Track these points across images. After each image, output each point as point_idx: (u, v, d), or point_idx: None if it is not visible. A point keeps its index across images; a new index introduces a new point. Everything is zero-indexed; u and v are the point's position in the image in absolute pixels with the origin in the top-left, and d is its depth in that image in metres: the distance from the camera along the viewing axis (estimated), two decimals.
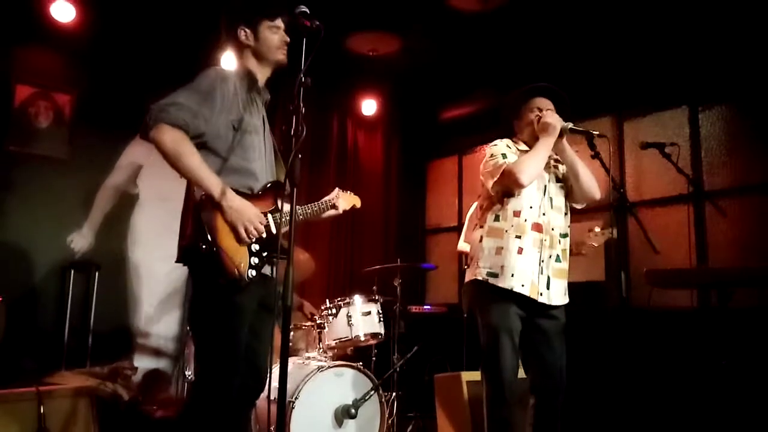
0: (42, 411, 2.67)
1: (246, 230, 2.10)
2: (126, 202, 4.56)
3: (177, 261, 2.16)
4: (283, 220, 2.19)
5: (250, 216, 2.11)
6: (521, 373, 2.71)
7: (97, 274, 4.28)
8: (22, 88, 4.20)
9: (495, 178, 2.66)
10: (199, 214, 2.06)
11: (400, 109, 6.18)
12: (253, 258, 2.11)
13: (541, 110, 2.79)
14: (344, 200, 2.63)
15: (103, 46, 4.38)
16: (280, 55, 2.29)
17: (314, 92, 2.04)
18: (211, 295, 2.08)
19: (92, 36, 4.30)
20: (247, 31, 2.25)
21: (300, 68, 1.99)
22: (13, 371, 3.22)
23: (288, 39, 2.28)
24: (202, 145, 2.12)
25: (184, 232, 2.14)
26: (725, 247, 4.19)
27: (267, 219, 2.19)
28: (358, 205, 2.75)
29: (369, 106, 5.97)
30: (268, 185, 2.25)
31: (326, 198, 2.56)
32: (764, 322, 3.66)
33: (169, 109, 2.03)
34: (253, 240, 2.13)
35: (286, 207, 2.27)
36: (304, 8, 2.02)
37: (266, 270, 2.20)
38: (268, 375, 2.23)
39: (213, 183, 2.06)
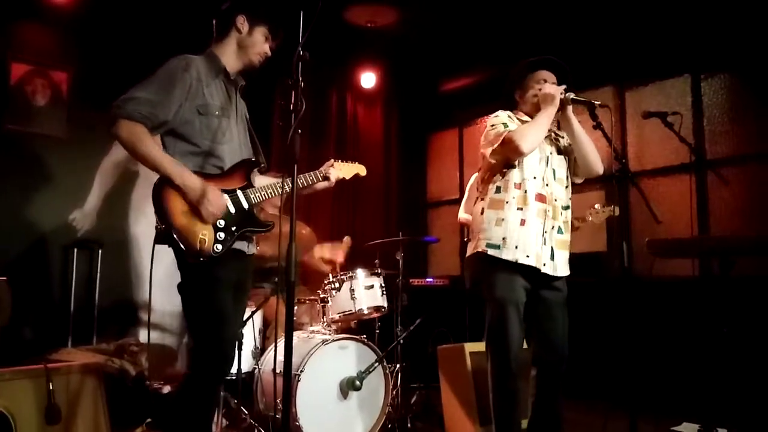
0: (51, 387, 2.70)
1: (207, 211, 2.14)
2: (126, 179, 4.55)
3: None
4: (261, 195, 2.28)
5: (209, 196, 2.14)
6: (524, 345, 2.74)
7: (100, 251, 4.30)
8: (17, 65, 4.15)
9: (494, 146, 2.64)
10: (155, 196, 2.13)
11: (400, 82, 6.13)
12: (219, 233, 2.16)
13: (545, 82, 2.76)
14: (343, 170, 2.61)
15: (98, 21, 4.33)
16: (256, 60, 2.39)
17: (312, 66, 2.02)
18: (189, 270, 2.16)
19: (87, 12, 4.24)
20: (246, 22, 2.33)
21: (298, 42, 1.97)
22: (21, 349, 3.25)
23: (270, 54, 2.40)
24: (170, 131, 2.21)
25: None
26: (727, 215, 4.19)
27: (225, 197, 2.21)
28: (363, 173, 2.73)
29: (368, 79, 5.92)
30: (238, 163, 2.30)
31: (318, 170, 2.53)
32: (765, 290, 3.68)
33: (126, 105, 2.12)
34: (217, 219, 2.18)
35: (264, 180, 2.37)
36: None
37: (242, 246, 2.27)
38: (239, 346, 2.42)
39: (169, 167, 2.13)
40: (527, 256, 2.61)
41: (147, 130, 2.14)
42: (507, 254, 2.61)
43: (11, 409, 2.13)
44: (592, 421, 3.38)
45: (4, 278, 2.82)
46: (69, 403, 2.79)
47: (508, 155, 2.67)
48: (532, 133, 2.62)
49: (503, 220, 2.65)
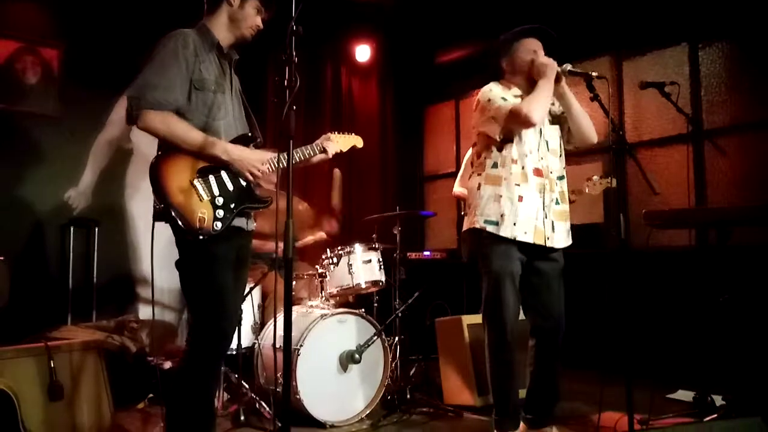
0: (52, 365, 2.73)
1: (253, 175, 2.22)
2: (120, 157, 4.52)
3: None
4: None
5: (253, 161, 2.22)
6: (520, 315, 2.76)
7: (96, 229, 4.29)
8: (6, 43, 4.09)
9: (500, 121, 2.61)
10: (152, 175, 2.12)
11: (395, 54, 6.06)
12: (218, 211, 2.15)
13: (535, 52, 2.73)
14: (340, 142, 2.58)
15: None
16: (248, 33, 2.35)
17: (306, 40, 2.00)
18: (188, 247, 2.16)
19: None
20: None
21: (291, 15, 1.94)
22: (21, 328, 3.27)
23: (261, 26, 2.36)
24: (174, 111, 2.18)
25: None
26: (724, 185, 4.19)
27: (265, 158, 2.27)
28: (360, 144, 2.70)
29: (363, 52, 5.85)
30: (235, 139, 2.28)
31: (315, 143, 2.52)
32: (762, 259, 3.70)
33: (146, 94, 2.10)
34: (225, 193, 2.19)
35: (265, 155, 2.35)
36: None
37: (241, 223, 2.27)
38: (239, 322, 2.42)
39: (212, 145, 2.16)
40: (525, 233, 2.61)
41: (174, 115, 2.14)
42: (505, 231, 2.61)
43: (14, 388, 2.15)
44: (589, 390, 3.42)
45: (2, 258, 2.82)
46: (71, 380, 2.82)
47: (516, 128, 2.65)
48: (540, 104, 2.59)
49: (501, 196, 2.65)
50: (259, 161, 2.24)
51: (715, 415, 2.90)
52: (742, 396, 2.92)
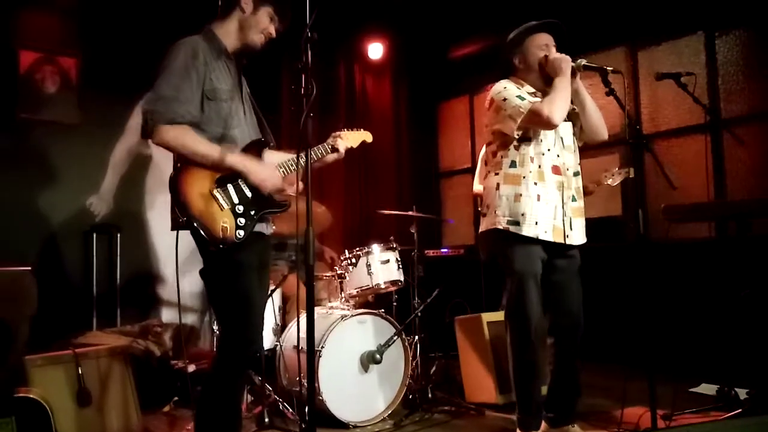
0: (80, 372, 2.79)
1: (267, 189, 2.22)
2: (140, 163, 4.58)
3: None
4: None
5: (268, 175, 2.23)
6: None
7: (119, 236, 4.36)
8: (25, 53, 4.16)
9: (519, 120, 2.60)
10: (172, 188, 2.12)
11: (408, 51, 6.05)
12: (239, 219, 2.16)
13: (547, 46, 2.72)
14: (350, 139, 2.56)
15: (103, 5, 4.30)
16: (258, 41, 2.31)
17: (319, 39, 1.98)
18: (212, 257, 2.16)
19: None
20: (251, 1, 2.27)
21: (304, 20, 1.94)
22: (48, 334, 3.33)
23: (273, 35, 2.33)
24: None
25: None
26: (743, 175, 4.14)
27: (277, 170, 2.27)
28: (369, 139, 2.66)
29: (375, 50, 5.85)
30: (249, 144, 2.28)
31: (325, 142, 2.49)
32: None
33: (159, 108, 2.09)
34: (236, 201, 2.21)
35: (275, 157, 2.36)
36: None
37: (261, 228, 2.28)
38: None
39: (227, 158, 2.15)
40: (545, 232, 2.61)
41: (188, 126, 2.13)
42: (527, 230, 2.61)
43: (46, 397, 2.20)
44: (611, 384, 3.42)
45: (29, 268, 2.87)
46: (99, 385, 2.88)
47: (536, 128, 2.64)
48: (562, 104, 2.58)
49: (521, 195, 2.64)
50: (275, 177, 2.25)
51: (740, 410, 2.87)
52: (767, 390, 2.89)
